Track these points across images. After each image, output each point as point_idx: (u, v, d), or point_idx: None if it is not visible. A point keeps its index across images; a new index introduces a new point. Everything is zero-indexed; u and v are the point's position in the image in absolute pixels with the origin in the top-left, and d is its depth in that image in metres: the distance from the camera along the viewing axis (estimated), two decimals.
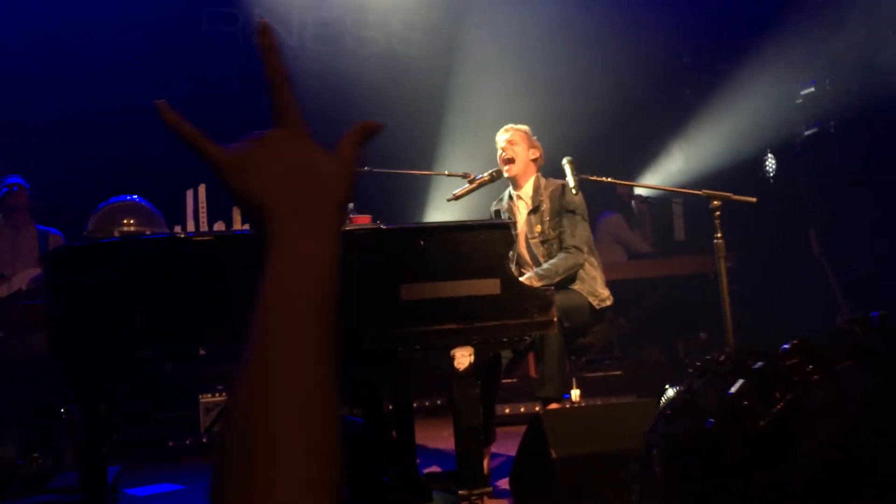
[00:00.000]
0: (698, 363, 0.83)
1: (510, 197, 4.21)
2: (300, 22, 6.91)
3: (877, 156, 6.04)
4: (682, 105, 7.22)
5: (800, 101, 6.68)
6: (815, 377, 0.55)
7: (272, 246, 0.65)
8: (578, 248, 3.99)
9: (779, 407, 0.56)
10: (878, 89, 5.78)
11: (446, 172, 4.24)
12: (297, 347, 0.61)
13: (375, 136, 0.73)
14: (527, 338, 3.21)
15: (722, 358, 0.79)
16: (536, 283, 3.62)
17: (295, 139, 0.69)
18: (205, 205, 3.44)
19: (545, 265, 3.96)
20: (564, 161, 3.90)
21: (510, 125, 4.18)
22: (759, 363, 0.63)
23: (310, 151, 0.69)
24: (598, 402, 5.07)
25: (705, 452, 0.59)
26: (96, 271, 2.98)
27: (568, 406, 4.03)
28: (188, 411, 5.15)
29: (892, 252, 5.76)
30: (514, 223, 4.15)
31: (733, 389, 0.60)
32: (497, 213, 4.25)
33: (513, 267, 4.08)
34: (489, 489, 3.21)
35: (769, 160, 6.78)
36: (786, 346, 0.62)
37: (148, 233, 3.33)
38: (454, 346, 2.97)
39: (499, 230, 3.13)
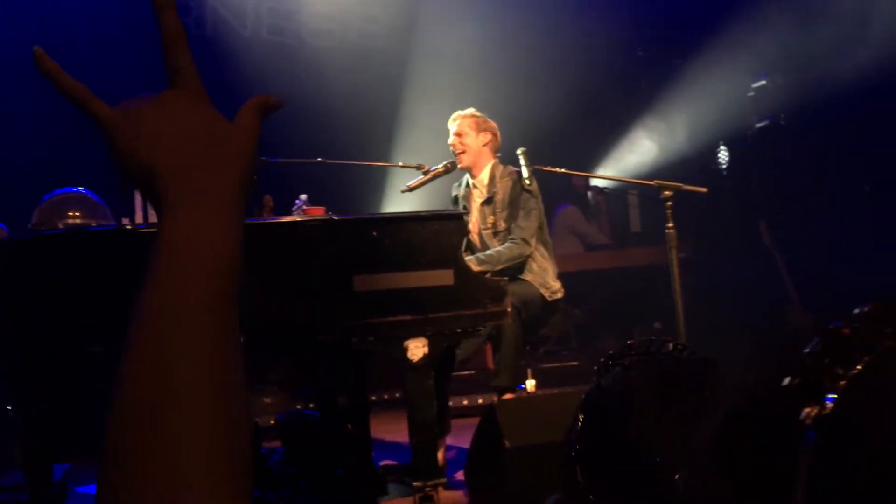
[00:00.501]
0: (602, 360, 0.84)
1: (468, 184, 4.21)
2: (255, 13, 6.83)
3: (826, 148, 6.16)
4: (638, 98, 7.28)
5: (752, 94, 6.78)
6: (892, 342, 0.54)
7: (165, 216, 0.59)
8: (525, 241, 3.99)
9: (857, 369, 0.54)
10: (828, 84, 5.88)
11: (401, 164, 4.23)
12: (193, 332, 0.55)
13: (274, 112, 0.69)
14: (480, 328, 3.21)
15: (617, 352, 0.79)
16: (476, 268, 3.62)
17: (192, 101, 0.64)
18: None
19: (488, 251, 3.97)
20: (518, 152, 3.91)
21: (457, 113, 4.14)
22: (836, 323, 0.61)
23: (208, 116, 0.64)
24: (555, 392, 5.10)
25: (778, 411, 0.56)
26: (42, 264, 2.91)
27: (522, 396, 4.05)
28: None
29: (841, 243, 5.88)
30: (469, 211, 4.15)
31: (808, 349, 0.58)
32: (456, 198, 4.25)
33: (466, 255, 4.09)
34: (444, 480, 3.20)
35: (722, 152, 6.88)
36: (860, 310, 0.60)
37: (94, 225, 3.25)
38: (408, 338, 2.96)
39: (452, 221, 3.12)
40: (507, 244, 4.00)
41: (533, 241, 4.03)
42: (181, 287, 0.56)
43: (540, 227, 4.09)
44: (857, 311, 0.59)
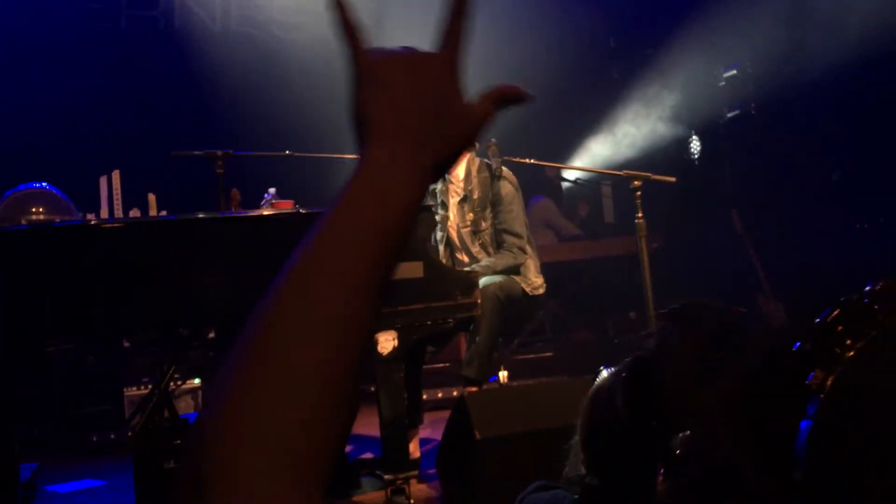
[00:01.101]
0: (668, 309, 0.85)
1: (444, 178, 4.15)
2: (224, 5, 6.75)
3: (796, 137, 6.21)
4: (609, 87, 7.30)
5: (723, 83, 6.82)
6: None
7: (361, 164, 0.61)
8: (521, 250, 3.93)
9: (861, 344, 0.54)
10: (797, 73, 5.93)
11: None
12: (347, 278, 0.56)
13: (517, 104, 0.69)
14: (450, 320, 3.20)
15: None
16: None
17: (443, 71, 0.65)
18: (119, 191, 3.33)
19: (483, 262, 3.90)
20: (488, 143, 3.88)
21: None
22: (850, 296, 0.61)
23: (449, 89, 0.65)
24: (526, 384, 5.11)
25: (787, 377, 0.56)
26: (4, 262, 2.86)
27: (493, 387, 4.04)
28: (112, 405, 5.01)
29: (811, 231, 5.94)
30: (444, 204, 4.10)
31: (820, 317, 0.58)
32: (434, 192, 4.20)
33: (444, 250, 4.06)
34: (415, 473, 3.20)
35: (694, 142, 6.92)
36: (871, 287, 0.60)
37: (58, 220, 3.21)
38: (377, 331, 2.95)
39: (420, 213, 3.10)
40: (501, 253, 3.93)
41: (527, 248, 3.98)
42: (347, 238, 0.57)
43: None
44: (868, 288, 0.59)
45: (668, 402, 0.66)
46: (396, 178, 0.60)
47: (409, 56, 0.65)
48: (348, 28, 0.65)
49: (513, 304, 3.85)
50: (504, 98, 0.69)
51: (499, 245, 3.96)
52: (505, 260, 3.89)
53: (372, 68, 0.64)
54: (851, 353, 0.54)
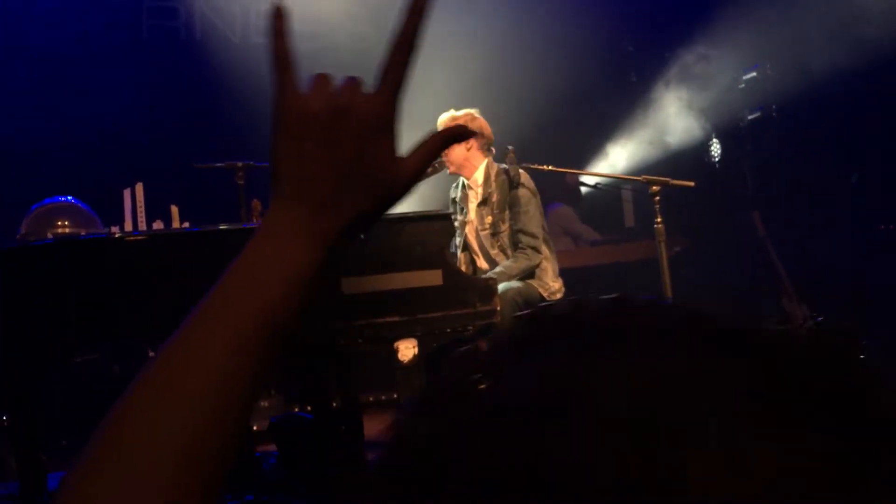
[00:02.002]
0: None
1: (463, 185, 4.19)
2: (244, 17, 6.82)
3: (817, 139, 6.16)
4: (628, 92, 7.28)
5: (742, 86, 6.78)
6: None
7: (259, 228, 0.57)
8: (535, 250, 3.93)
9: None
10: (817, 75, 5.89)
11: None
12: (215, 363, 0.52)
13: (460, 140, 0.68)
14: (469, 327, 3.21)
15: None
16: None
17: (373, 119, 0.59)
18: (143, 204, 3.38)
19: (500, 267, 3.91)
20: (507, 151, 3.91)
21: (441, 118, 4.05)
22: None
23: (374, 142, 0.59)
24: None
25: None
26: (32, 274, 2.92)
27: None
28: None
29: (832, 233, 5.89)
30: (463, 210, 4.14)
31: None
32: (454, 200, 4.24)
33: (463, 255, 4.09)
34: None
35: (714, 145, 6.88)
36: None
37: (83, 234, 3.26)
38: (398, 339, 2.97)
39: (439, 221, 3.13)
40: (516, 255, 3.94)
41: (543, 249, 3.98)
42: (232, 313, 0.54)
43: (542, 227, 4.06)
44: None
45: None
46: (289, 246, 0.56)
47: (332, 106, 0.60)
48: (281, 60, 0.61)
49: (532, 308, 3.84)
50: (444, 141, 0.64)
51: (515, 246, 3.98)
52: (520, 264, 3.91)
53: (290, 117, 0.60)
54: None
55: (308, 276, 0.56)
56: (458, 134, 0.66)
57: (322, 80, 0.62)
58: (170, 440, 0.50)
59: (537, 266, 3.95)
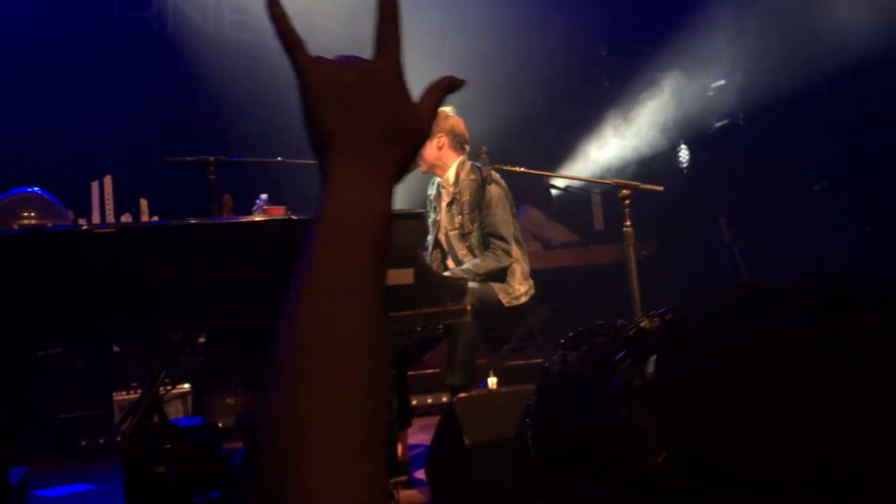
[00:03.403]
0: (570, 334, 0.78)
1: (438, 184, 4.19)
2: (217, 9, 6.76)
3: (782, 147, 6.26)
4: (601, 97, 7.35)
5: (711, 93, 6.87)
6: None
7: (330, 186, 0.62)
8: (506, 252, 3.92)
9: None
10: (784, 84, 5.98)
11: None
12: (352, 300, 0.58)
13: (454, 91, 0.72)
14: (440, 326, 3.22)
15: (593, 329, 0.75)
16: None
17: (388, 76, 0.66)
18: (111, 197, 3.35)
19: (467, 264, 3.91)
20: (480, 151, 3.91)
21: None
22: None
23: (397, 92, 0.66)
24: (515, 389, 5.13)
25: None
26: None
27: (482, 392, 4.05)
28: (101, 410, 5.01)
29: (798, 240, 5.99)
30: (436, 209, 4.14)
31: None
32: (429, 198, 4.23)
33: (434, 253, 4.09)
34: (404, 478, 3.21)
35: (683, 151, 6.97)
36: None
37: (50, 225, 3.21)
38: None
39: (411, 220, 3.13)
40: (485, 255, 3.93)
41: (513, 251, 3.97)
42: (341, 262, 0.59)
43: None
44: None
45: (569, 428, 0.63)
46: (366, 192, 0.62)
47: (354, 66, 0.66)
48: (289, 39, 0.66)
49: (488, 312, 3.84)
50: (445, 89, 0.71)
51: (485, 248, 3.98)
52: (487, 263, 3.90)
53: (320, 81, 0.65)
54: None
55: (389, 218, 0.63)
56: (455, 82, 0.73)
57: (344, 56, 0.68)
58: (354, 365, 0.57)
59: (506, 268, 3.95)
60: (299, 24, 0.66)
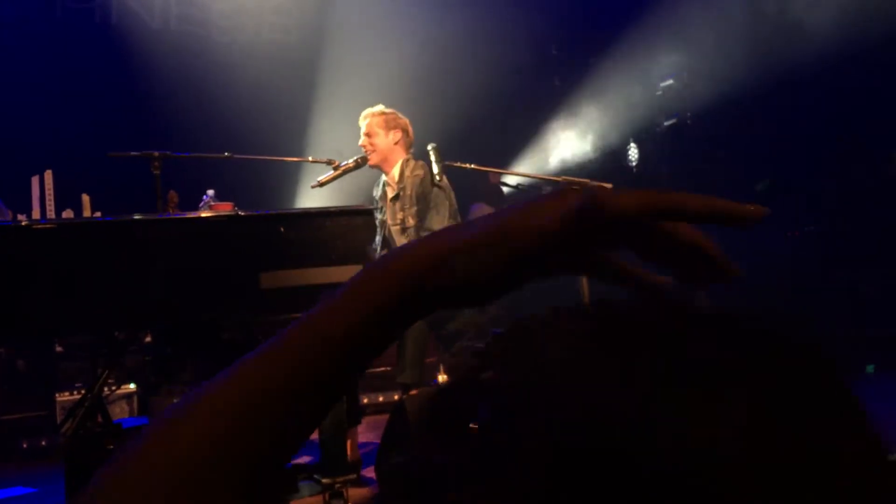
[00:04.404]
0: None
1: (384, 183, 4.19)
2: (163, 3, 6.64)
3: (728, 146, 6.38)
4: (551, 95, 7.40)
5: (659, 92, 6.98)
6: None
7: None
8: None
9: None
10: (731, 85, 6.10)
11: (310, 159, 4.17)
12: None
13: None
14: None
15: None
16: None
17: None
18: (52, 192, 3.26)
19: None
20: (429, 147, 3.90)
21: (366, 111, 4.08)
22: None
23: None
24: None
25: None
26: None
27: (431, 389, 4.05)
28: (43, 411, 4.89)
29: (742, 239, 6.09)
30: (382, 209, 4.14)
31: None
32: (375, 199, 4.23)
33: (383, 253, 4.08)
34: (353, 476, 3.20)
35: (632, 149, 7.06)
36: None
37: None
38: None
39: (360, 216, 3.12)
40: None
41: None
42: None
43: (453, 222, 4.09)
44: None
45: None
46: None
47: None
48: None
49: None
50: None
51: None
52: None
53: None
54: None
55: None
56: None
57: None
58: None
59: None
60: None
